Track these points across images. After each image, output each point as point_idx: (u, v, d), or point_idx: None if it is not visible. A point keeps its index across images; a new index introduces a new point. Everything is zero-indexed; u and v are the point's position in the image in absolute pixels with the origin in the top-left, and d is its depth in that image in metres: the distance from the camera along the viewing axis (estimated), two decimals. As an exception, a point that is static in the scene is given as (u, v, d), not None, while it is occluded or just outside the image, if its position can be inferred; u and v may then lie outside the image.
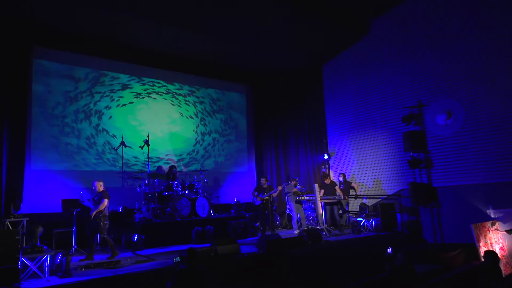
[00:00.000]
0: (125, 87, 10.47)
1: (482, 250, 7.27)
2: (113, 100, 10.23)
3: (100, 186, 7.16)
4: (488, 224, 7.93)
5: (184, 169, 11.09)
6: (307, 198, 9.48)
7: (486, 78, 8.58)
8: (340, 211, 10.22)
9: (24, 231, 7.36)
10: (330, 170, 11.63)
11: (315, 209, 9.54)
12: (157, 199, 9.08)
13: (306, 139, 12.35)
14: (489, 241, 7.67)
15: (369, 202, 10.24)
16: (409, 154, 9.44)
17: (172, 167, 9.93)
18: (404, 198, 9.60)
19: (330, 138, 11.80)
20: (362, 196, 10.50)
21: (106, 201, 6.95)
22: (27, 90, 8.94)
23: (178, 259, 5.34)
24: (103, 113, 10.02)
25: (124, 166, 10.00)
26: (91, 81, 9.96)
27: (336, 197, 9.80)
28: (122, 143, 9.91)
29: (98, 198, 7.00)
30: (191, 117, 11.64)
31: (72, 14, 8.35)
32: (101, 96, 10.06)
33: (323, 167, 11.60)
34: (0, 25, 8.36)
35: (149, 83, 10.93)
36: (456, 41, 9.06)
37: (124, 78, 10.50)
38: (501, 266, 6.98)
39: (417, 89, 9.72)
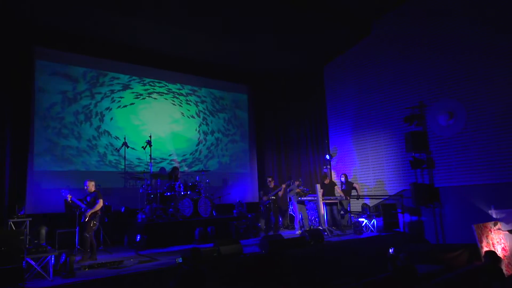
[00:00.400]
0: (126, 87, 10.51)
1: (484, 250, 7.27)
2: (114, 101, 10.26)
3: (92, 186, 7.05)
4: (490, 224, 7.93)
5: (187, 170, 11.12)
6: (308, 198, 9.50)
7: (488, 78, 8.59)
8: (342, 212, 10.24)
9: (28, 231, 7.40)
10: (332, 171, 11.66)
11: (317, 210, 9.56)
12: (159, 199, 9.11)
13: (308, 140, 12.38)
14: (491, 242, 7.67)
15: (371, 203, 10.26)
16: (411, 154, 9.45)
17: (174, 168, 9.96)
18: (406, 198, 9.61)
19: (332, 139, 11.82)
20: (364, 197, 10.51)
21: (101, 202, 6.89)
22: (29, 91, 8.99)
23: (180, 259, 5.37)
24: (104, 114, 10.06)
25: (126, 167, 10.04)
26: (92, 82, 10.00)
27: (338, 198, 9.81)
28: (125, 144, 9.95)
29: (91, 198, 6.88)
30: (193, 117, 11.67)
31: (73, 14, 8.39)
32: (102, 97, 10.09)
33: (324, 167, 11.62)
34: (1, 26, 8.41)
35: (150, 83, 10.96)
36: (457, 41, 9.07)
37: (125, 78, 10.53)
38: (503, 266, 6.99)
39: (418, 90, 9.73)
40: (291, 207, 11.04)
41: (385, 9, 10.34)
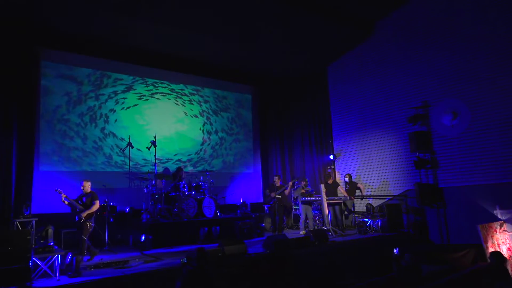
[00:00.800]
0: (129, 88, 10.57)
1: (489, 251, 7.25)
2: (118, 102, 10.32)
3: (88, 187, 6.93)
4: (495, 224, 7.91)
5: (192, 170, 11.16)
6: (313, 198, 9.49)
7: (492, 78, 8.56)
8: (346, 212, 10.24)
9: (34, 231, 7.46)
10: (336, 171, 11.65)
11: (320, 210, 9.57)
12: (164, 199, 9.16)
13: (312, 140, 12.38)
14: (496, 242, 7.65)
15: (375, 203, 10.24)
16: (415, 154, 9.44)
17: (179, 169, 10.01)
18: (410, 198, 9.59)
19: (336, 139, 11.82)
20: (368, 197, 10.50)
21: (97, 203, 6.83)
22: (34, 93, 9.07)
23: (185, 260, 5.39)
24: (108, 116, 10.12)
25: (133, 168, 10.12)
26: (96, 83, 10.06)
27: (342, 198, 9.81)
28: (129, 144, 10.01)
29: (87, 199, 6.79)
30: (196, 116, 11.71)
31: (76, 15, 8.43)
32: (106, 98, 10.16)
33: (328, 167, 11.62)
34: (6, 27, 8.48)
35: (154, 84, 11.01)
36: (461, 41, 9.05)
37: (128, 79, 10.59)
38: (509, 267, 6.96)
39: (422, 90, 9.72)
40: (296, 207, 11.06)
41: (388, 10, 10.33)
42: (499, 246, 7.60)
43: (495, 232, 7.76)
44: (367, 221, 9.27)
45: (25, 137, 8.74)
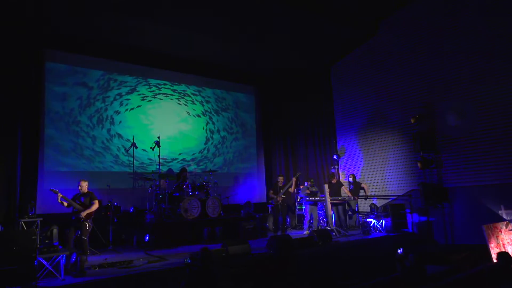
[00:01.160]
0: (133, 89, 10.61)
1: (494, 251, 7.21)
2: (122, 104, 10.36)
3: (86, 186, 6.83)
4: (501, 225, 7.86)
5: (195, 170, 11.19)
6: (316, 198, 9.47)
7: (495, 78, 8.51)
8: (349, 212, 10.22)
9: (39, 231, 7.49)
10: (340, 171, 11.63)
11: (324, 210, 9.55)
12: (168, 199, 9.18)
13: (315, 140, 12.36)
14: (501, 242, 7.60)
15: (379, 203, 10.22)
16: (419, 154, 9.40)
17: (183, 169, 10.02)
18: (415, 198, 9.56)
19: (339, 139, 11.80)
20: (372, 197, 10.48)
21: (97, 203, 6.77)
22: (39, 93, 9.12)
23: (189, 260, 5.40)
24: (112, 116, 10.16)
25: (139, 168, 10.17)
26: (99, 84, 10.10)
27: (346, 198, 9.78)
28: (133, 145, 10.05)
29: (85, 199, 6.70)
30: (199, 116, 11.74)
31: (79, 16, 8.47)
32: (111, 100, 10.20)
33: (332, 167, 11.60)
34: (12, 28, 8.54)
35: (157, 85, 11.05)
36: (465, 41, 9.01)
37: (131, 80, 10.62)
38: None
39: (426, 89, 9.68)
40: (300, 207, 11.05)
41: (391, 9, 10.31)
42: (504, 247, 7.55)
43: (500, 233, 7.71)
44: (371, 221, 9.25)
45: (29, 137, 8.79)
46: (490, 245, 7.40)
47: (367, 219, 9.42)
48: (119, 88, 10.36)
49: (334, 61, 11.93)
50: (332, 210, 9.40)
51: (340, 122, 11.82)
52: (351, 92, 11.51)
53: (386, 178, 10.49)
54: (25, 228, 7.80)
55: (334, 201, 9.60)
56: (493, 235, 7.57)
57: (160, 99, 11.04)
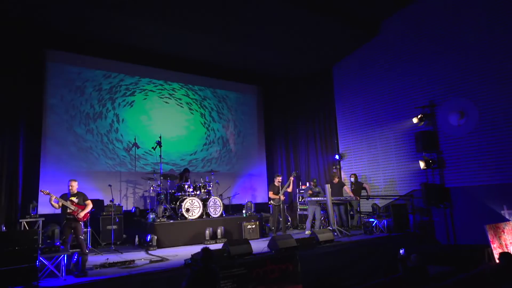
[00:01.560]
0: (135, 89, 10.62)
1: (497, 251, 7.18)
2: (123, 104, 10.38)
3: (76, 187, 6.68)
4: (503, 225, 7.83)
5: (196, 170, 11.19)
6: (318, 198, 9.45)
7: (500, 77, 8.48)
8: (351, 212, 10.20)
9: (40, 231, 7.51)
10: (342, 171, 11.61)
11: (326, 210, 9.54)
12: (169, 199, 9.19)
13: (317, 140, 12.35)
14: (504, 242, 7.57)
15: (381, 203, 10.19)
16: (421, 154, 9.38)
17: (186, 170, 10.03)
18: (417, 198, 9.53)
19: (341, 139, 11.78)
20: (373, 197, 10.45)
21: (90, 202, 6.69)
22: (41, 93, 9.15)
23: (189, 260, 5.40)
24: (114, 116, 10.17)
25: (138, 168, 10.18)
26: (102, 84, 10.12)
27: (348, 198, 9.76)
28: (135, 145, 10.07)
29: (78, 199, 6.58)
30: (203, 117, 11.74)
31: (81, 16, 8.49)
32: (113, 100, 10.22)
33: (334, 167, 11.59)
34: (14, 28, 8.56)
35: (159, 85, 11.07)
36: (468, 40, 8.97)
37: (133, 80, 10.65)
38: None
39: (429, 89, 9.65)
40: (303, 207, 11.05)
41: (393, 9, 10.28)
42: (506, 247, 7.52)
43: (502, 233, 7.68)
44: (373, 221, 9.22)
45: (31, 137, 8.82)
46: (492, 245, 7.37)
47: (369, 219, 9.39)
48: (120, 88, 10.37)
49: (336, 60, 11.92)
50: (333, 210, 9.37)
51: (342, 122, 11.80)
52: (353, 92, 11.49)
53: (388, 178, 10.46)
54: (27, 228, 7.84)
55: (336, 201, 9.58)
56: (495, 235, 7.54)
57: (161, 98, 11.04)
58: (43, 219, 8.08)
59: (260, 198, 12.18)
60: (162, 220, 8.45)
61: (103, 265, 6.06)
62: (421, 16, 9.87)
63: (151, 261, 6.49)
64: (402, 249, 6.16)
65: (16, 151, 8.42)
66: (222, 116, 12.23)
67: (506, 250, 7.26)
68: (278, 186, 9.52)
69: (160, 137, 9.62)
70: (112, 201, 8.70)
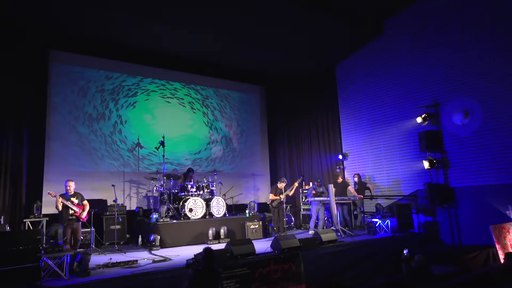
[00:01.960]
0: (138, 90, 10.64)
1: (502, 252, 7.13)
2: (127, 104, 10.39)
3: (73, 187, 6.81)
4: (508, 225, 7.76)
5: (199, 170, 11.20)
6: (321, 198, 9.42)
7: (504, 76, 8.41)
8: (355, 212, 10.16)
9: (44, 231, 7.53)
10: (345, 171, 11.57)
11: (329, 210, 9.50)
12: (172, 199, 9.20)
13: (320, 140, 12.31)
14: (509, 243, 7.51)
15: (385, 203, 10.15)
16: (425, 154, 9.33)
17: (189, 170, 10.03)
18: (421, 198, 9.49)
19: (345, 138, 11.74)
20: (377, 197, 10.41)
21: (87, 202, 6.81)
22: (45, 93, 9.18)
23: (191, 260, 5.38)
24: (117, 116, 10.19)
25: (142, 168, 10.19)
26: (105, 85, 10.14)
27: (351, 198, 9.72)
28: (138, 145, 10.08)
29: (78, 200, 6.72)
30: (206, 117, 11.74)
31: (86, 17, 8.52)
32: (117, 100, 10.24)
33: (337, 167, 11.55)
34: (17, 29, 8.60)
35: (162, 85, 11.08)
36: (472, 39, 8.91)
37: (136, 80, 10.66)
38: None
39: (433, 88, 9.59)
40: (306, 207, 11.03)
41: (396, 8, 10.23)
42: (511, 247, 7.46)
43: (507, 233, 7.62)
44: (377, 222, 9.18)
45: (35, 137, 8.86)
46: (497, 245, 7.31)
47: (373, 219, 9.35)
48: (123, 89, 10.39)
49: (340, 60, 11.88)
50: (337, 210, 9.34)
51: (345, 121, 11.76)
52: (356, 91, 11.45)
53: (392, 178, 10.41)
54: (31, 227, 7.88)
55: (340, 201, 9.55)
56: (500, 235, 7.48)
57: (163, 97, 11.05)
58: (47, 219, 8.11)
59: (263, 198, 12.17)
60: (165, 220, 8.45)
61: (106, 265, 6.07)
62: (424, 15, 9.81)
63: (154, 261, 6.49)
64: (406, 249, 6.13)
65: (20, 151, 8.46)
66: (225, 115, 12.23)
67: (511, 251, 7.20)
68: (281, 189, 9.50)
69: (163, 137, 9.63)
70: (115, 201, 8.71)
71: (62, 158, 9.24)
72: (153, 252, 7.55)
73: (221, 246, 6.91)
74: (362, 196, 10.07)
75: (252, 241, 6.86)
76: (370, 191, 10.33)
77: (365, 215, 10.32)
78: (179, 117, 11.21)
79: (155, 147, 9.69)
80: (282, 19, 9.34)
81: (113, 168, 9.95)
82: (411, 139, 9.96)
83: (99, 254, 7.33)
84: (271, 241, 7.10)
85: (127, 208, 9.45)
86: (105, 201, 9.12)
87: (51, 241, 6.31)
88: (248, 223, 9.03)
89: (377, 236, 8.71)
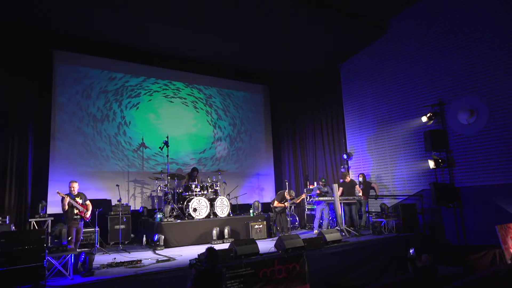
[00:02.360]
0: (142, 90, 10.65)
1: (509, 252, 7.05)
2: (131, 105, 10.41)
3: (77, 187, 6.91)
4: (514, 225, 7.68)
5: (204, 169, 11.20)
6: (326, 198, 9.38)
7: (509, 74, 8.32)
8: (360, 212, 10.10)
9: (49, 230, 7.57)
10: (349, 170, 11.52)
11: (334, 210, 9.46)
12: (177, 199, 9.20)
13: (325, 139, 12.28)
14: (515, 243, 7.43)
15: (390, 203, 10.09)
16: (430, 153, 9.26)
17: (194, 169, 10.04)
18: (426, 198, 9.42)
19: (349, 138, 11.68)
20: (382, 196, 10.35)
21: (90, 202, 6.93)
22: (50, 93, 9.22)
23: (194, 261, 5.37)
24: (121, 117, 10.21)
25: (146, 167, 10.21)
26: (110, 85, 10.16)
27: (356, 198, 9.67)
28: (142, 144, 10.10)
29: (82, 200, 6.82)
30: (209, 116, 11.74)
31: (86, 17, 8.54)
32: (121, 100, 10.26)
33: (342, 167, 11.50)
34: (22, 30, 8.64)
35: (166, 85, 11.09)
36: (477, 38, 8.83)
37: (140, 81, 10.67)
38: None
39: (438, 87, 9.52)
40: (310, 207, 10.98)
41: (401, 7, 10.18)
42: (518, 247, 7.38)
43: (514, 233, 7.54)
44: (382, 222, 9.12)
45: (40, 137, 8.90)
46: (503, 246, 7.24)
47: (378, 219, 9.29)
48: (127, 89, 10.41)
49: (344, 59, 11.83)
50: (343, 210, 9.30)
51: (349, 121, 11.70)
52: (361, 91, 11.39)
53: (397, 178, 10.35)
54: (36, 227, 7.92)
55: (347, 201, 9.51)
56: (507, 235, 7.40)
57: (166, 97, 11.06)
58: (52, 218, 8.15)
59: (268, 197, 12.15)
60: (169, 219, 8.46)
61: (110, 265, 6.07)
62: (428, 13, 9.75)
63: (157, 261, 6.49)
64: (412, 249, 6.08)
65: (25, 151, 8.50)
66: (228, 114, 12.22)
67: (518, 251, 7.12)
68: (288, 199, 9.42)
69: (167, 137, 9.64)
70: (119, 200, 8.73)
71: (67, 158, 9.27)
72: (157, 252, 7.56)
73: (225, 246, 6.90)
74: (366, 196, 10.01)
75: (256, 241, 6.85)
76: (375, 191, 10.28)
77: (370, 215, 10.26)
78: (182, 116, 11.21)
79: (159, 147, 9.70)
80: (286, 18, 9.32)
81: (118, 168, 9.97)
82: (416, 139, 9.89)
83: (103, 253, 7.35)
84: (275, 241, 7.07)
85: (132, 208, 9.48)
86: (110, 201, 9.16)
87: (56, 240, 6.34)
88: (252, 223, 9.01)
89: (382, 236, 8.65)
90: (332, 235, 7.54)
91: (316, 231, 9.28)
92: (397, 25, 10.46)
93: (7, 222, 7.33)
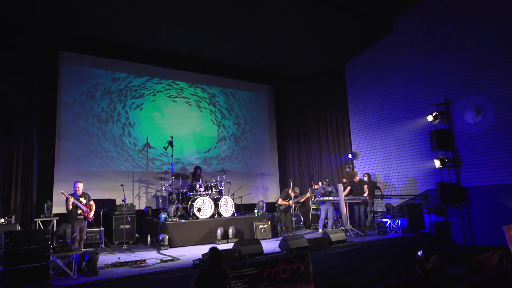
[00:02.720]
0: (146, 90, 10.66)
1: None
2: (135, 105, 10.43)
3: (82, 188, 7.01)
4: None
5: (209, 169, 11.20)
6: (331, 198, 9.34)
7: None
8: (366, 212, 10.04)
9: (54, 230, 7.60)
10: (355, 170, 11.45)
11: (339, 209, 9.42)
12: (181, 199, 9.20)
13: (329, 139, 12.22)
14: (523, 243, 7.33)
15: (395, 203, 10.01)
16: (436, 153, 9.18)
17: (197, 168, 10.03)
18: (432, 198, 9.33)
19: (354, 138, 11.62)
20: (387, 196, 10.28)
21: (93, 203, 7.02)
22: (55, 93, 9.25)
23: (197, 261, 5.36)
24: (126, 117, 10.23)
25: (149, 167, 10.22)
26: (114, 85, 10.18)
27: (361, 198, 9.61)
28: (147, 144, 10.11)
29: (86, 200, 6.90)
30: (213, 115, 11.73)
31: (89, 17, 8.55)
32: (126, 101, 10.27)
33: (347, 167, 11.44)
34: (27, 31, 8.69)
35: (170, 85, 11.09)
36: (483, 37, 8.74)
37: (145, 81, 10.67)
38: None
39: (443, 86, 9.44)
40: (315, 207, 10.94)
41: (406, 6, 10.10)
42: (526, 248, 7.28)
43: (522, 233, 7.44)
44: (387, 221, 9.05)
45: (45, 136, 8.93)
46: (511, 246, 7.14)
47: (383, 219, 9.22)
48: (131, 90, 10.42)
49: (349, 59, 11.77)
50: (354, 209, 9.25)
51: (354, 120, 11.64)
52: (366, 90, 11.32)
53: (402, 177, 10.27)
54: (42, 227, 7.96)
55: (353, 201, 9.46)
56: (514, 235, 7.31)
57: (170, 97, 11.05)
58: (57, 218, 8.18)
59: (272, 197, 12.11)
60: (173, 219, 8.46)
61: (114, 264, 6.09)
62: (433, 12, 9.66)
63: (162, 261, 6.48)
64: (420, 251, 6.01)
65: (31, 151, 8.54)
66: (232, 113, 12.20)
67: (525, 251, 7.03)
68: (292, 196, 9.41)
69: (171, 137, 9.64)
70: (124, 200, 8.75)
71: (73, 157, 9.30)
72: (161, 251, 7.56)
73: (229, 246, 6.88)
74: (371, 196, 9.95)
75: (261, 241, 6.83)
76: (380, 191, 10.20)
77: (375, 215, 10.20)
78: (186, 116, 11.21)
79: (164, 147, 9.70)
80: (291, 17, 9.28)
81: (123, 168, 9.98)
82: (422, 138, 9.81)
83: (108, 253, 7.37)
84: (279, 241, 7.04)
85: (136, 208, 9.50)
86: (114, 200, 9.16)
87: (60, 240, 6.36)
88: (256, 223, 8.98)
89: (388, 236, 8.60)
90: (336, 235, 7.49)
91: (321, 231, 9.24)
92: (402, 24, 10.38)
93: (13, 222, 7.37)
